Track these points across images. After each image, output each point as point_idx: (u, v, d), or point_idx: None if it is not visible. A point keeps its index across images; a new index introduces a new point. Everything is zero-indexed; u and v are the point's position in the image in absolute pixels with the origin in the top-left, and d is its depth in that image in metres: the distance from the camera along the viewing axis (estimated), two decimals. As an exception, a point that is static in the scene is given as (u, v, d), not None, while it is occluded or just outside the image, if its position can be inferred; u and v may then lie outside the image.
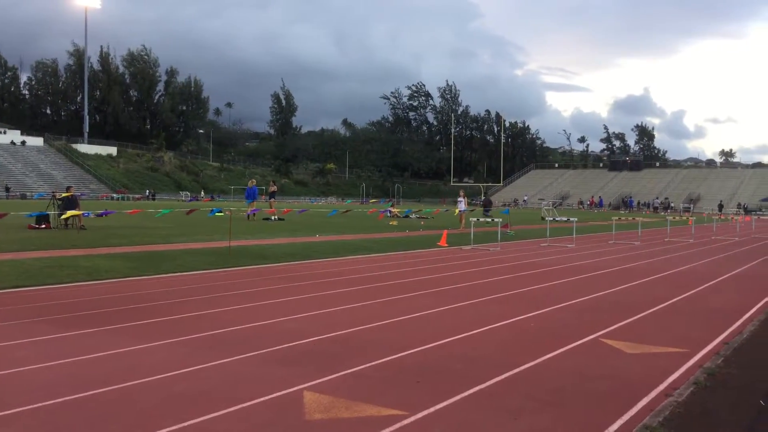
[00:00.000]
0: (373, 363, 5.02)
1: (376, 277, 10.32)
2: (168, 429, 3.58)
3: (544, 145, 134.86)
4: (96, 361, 4.97)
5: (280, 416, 3.83)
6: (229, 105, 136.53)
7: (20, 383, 4.38)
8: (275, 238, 17.75)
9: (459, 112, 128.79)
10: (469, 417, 3.88)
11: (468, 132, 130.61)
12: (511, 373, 4.83)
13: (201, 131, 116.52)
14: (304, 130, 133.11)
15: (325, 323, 6.56)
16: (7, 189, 63.83)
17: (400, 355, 5.30)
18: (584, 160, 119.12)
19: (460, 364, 5.06)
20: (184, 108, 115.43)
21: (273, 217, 26.49)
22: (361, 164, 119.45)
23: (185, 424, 3.66)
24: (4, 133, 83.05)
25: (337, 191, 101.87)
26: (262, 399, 4.11)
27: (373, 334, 6.13)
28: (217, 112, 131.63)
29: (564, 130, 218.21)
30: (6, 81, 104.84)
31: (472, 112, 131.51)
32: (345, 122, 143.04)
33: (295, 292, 8.55)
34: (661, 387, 4.56)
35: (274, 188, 30.95)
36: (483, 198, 34.23)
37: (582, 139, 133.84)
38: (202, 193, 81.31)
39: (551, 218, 23.06)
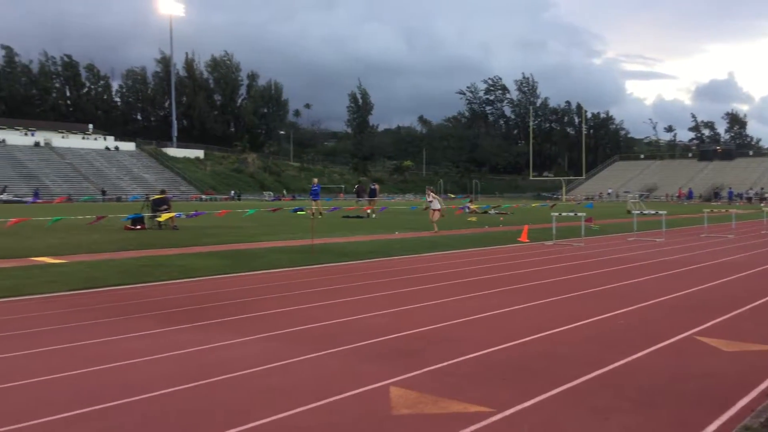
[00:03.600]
0: (457, 360, 5.04)
1: (456, 274, 10.30)
2: (261, 421, 3.73)
3: (628, 135, 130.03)
4: (192, 355, 5.23)
5: (367, 411, 3.91)
6: (307, 106, 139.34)
7: (123, 376, 4.67)
8: (355, 235, 18.01)
9: (537, 105, 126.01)
10: (557, 416, 3.84)
11: (547, 124, 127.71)
12: (599, 371, 4.73)
13: (282, 133, 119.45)
14: (379, 129, 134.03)
15: (407, 320, 6.63)
16: (103, 192, 67.69)
17: (484, 352, 5.29)
18: (671, 150, 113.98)
19: (546, 362, 5.00)
20: (266, 110, 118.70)
21: (372, 215, 27.54)
22: (438, 160, 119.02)
23: (277, 416, 3.80)
24: (95, 139, 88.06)
25: (414, 188, 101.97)
26: (349, 393, 4.22)
27: (456, 330, 6.15)
28: (297, 113, 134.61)
29: (650, 119, 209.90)
30: (99, 90, 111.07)
31: (551, 103, 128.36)
32: (421, 119, 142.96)
33: (376, 289, 8.67)
34: (762, 386, 4.34)
35: (376, 186, 32.35)
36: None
37: (669, 129, 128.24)
38: (284, 192, 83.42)
39: (638, 211, 22.23)
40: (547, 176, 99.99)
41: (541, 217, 27.08)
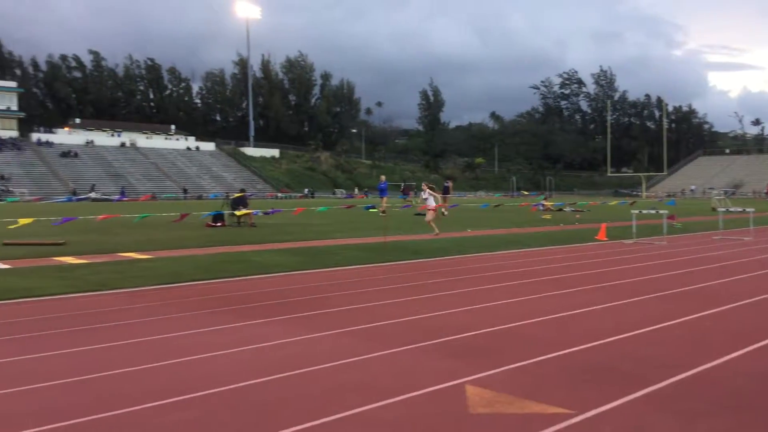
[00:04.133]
0: (535, 359, 4.94)
1: (531, 272, 10.12)
2: (338, 416, 3.78)
3: (712, 129, 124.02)
4: (270, 349, 5.36)
5: (444, 408, 3.89)
6: (379, 104, 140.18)
7: (206, 368, 4.84)
8: (427, 233, 17.98)
9: (615, 98, 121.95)
10: (642, 419, 3.70)
11: (626, 119, 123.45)
12: (685, 374, 4.53)
13: (354, 131, 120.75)
14: (451, 125, 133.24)
15: (482, 318, 6.56)
16: (185, 191, 70.36)
17: (562, 352, 5.17)
18: (759, 145, 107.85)
19: (629, 364, 4.83)
20: (338, 109, 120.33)
21: (444, 212, 27.68)
22: (511, 157, 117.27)
23: (354, 411, 3.84)
24: (177, 140, 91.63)
25: (486, 185, 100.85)
26: (425, 390, 4.21)
27: (533, 329, 6.03)
28: (368, 111, 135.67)
29: (735, 113, 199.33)
30: (181, 92, 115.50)
31: (630, 97, 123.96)
32: (493, 115, 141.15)
33: (450, 287, 8.62)
34: None
35: (449, 184, 32.33)
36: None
37: (756, 122, 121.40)
38: (356, 190, 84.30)
39: (723, 209, 21.17)
40: (625, 172, 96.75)
41: (619, 215, 26.21)
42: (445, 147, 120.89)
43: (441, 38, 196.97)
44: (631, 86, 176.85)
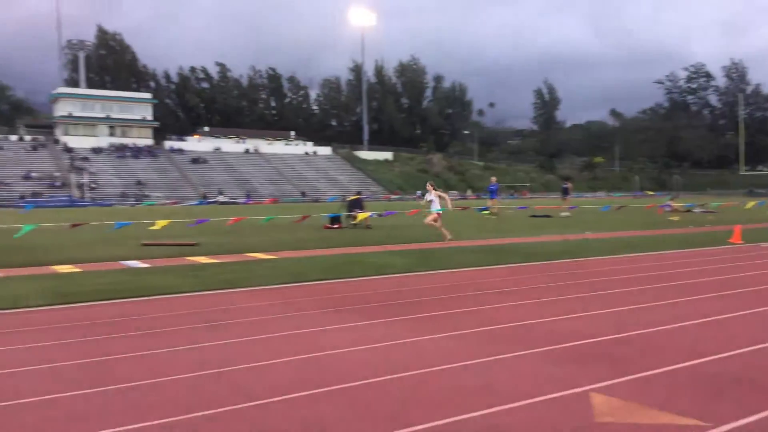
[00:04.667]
0: (665, 369, 4.71)
1: (658, 277, 9.62)
2: (460, 417, 3.80)
3: None
4: (390, 349, 5.47)
5: (567, 415, 3.81)
6: (491, 105, 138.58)
7: (327, 365, 5.01)
8: (543, 235, 17.56)
9: (748, 92, 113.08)
10: (787, 437, 3.45)
11: (760, 113, 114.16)
12: (838, 391, 4.16)
13: (466, 132, 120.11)
14: (567, 124, 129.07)
15: (605, 324, 6.34)
16: (303, 194, 73.02)
17: (695, 362, 4.89)
18: None
19: (770, 377, 4.49)
20: (450, 111, 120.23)
21: (566, 214, 27.13)
22: (633, 155, 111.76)
23: (473, 414, 3.84)
24: (296, 145, 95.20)
25: (605, 185, 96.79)
26: (547, 396, 4.14)
27: (661, 337, 5.75)
28: (480, 112, 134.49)
29: None
30: (299, 99, 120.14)
31: (765, 90, 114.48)
32: (612, 112, 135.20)
33: (569, 291, 8.39)
34: None
35: (568, 185, 31.67)
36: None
37: None
38: (469, 191, 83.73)
39: None
40: (761, 171, 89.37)
41: (755, 217, 24.29)
42: (560, 146, 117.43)
43: (555, 35, 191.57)
44: (766, 79, 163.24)
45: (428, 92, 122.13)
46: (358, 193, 23.25)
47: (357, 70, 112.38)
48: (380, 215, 24.13)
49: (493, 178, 29.87)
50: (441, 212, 16.27)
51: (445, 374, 4.69)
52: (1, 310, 7.37)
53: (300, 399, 4.17)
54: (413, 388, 4.37)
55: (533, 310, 7.13)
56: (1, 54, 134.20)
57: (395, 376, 4.64)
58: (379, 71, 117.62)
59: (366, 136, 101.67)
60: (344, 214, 21.69)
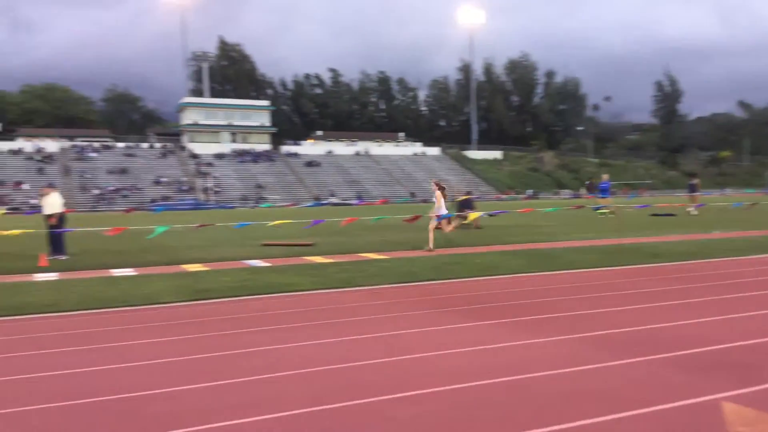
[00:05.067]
0: (802, 379, 4.38)
1: (796, 280, 8.88)
2: (576, 423, 3.72)
3: None
4: (499, 351, 5.44)
5: (696, 424, 3.64)
6: (607, 99, 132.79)
7: (436, 365, 5.06)
8: (666, 235, 16.68)
9: None
10: None
11: None
12: None
13: (580, 128, 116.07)
14: (690, 117, 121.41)
15: (733, 330, 5.95)
16: (412, 195, 73.55)
17: (838, 373, 4.51)
18: None
19: None
20: (563, 107, 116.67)
21: (692, 211, 26.02)
22: (764, 149, 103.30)
23: (593, 420, 3.75)
24: (406, 146, 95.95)
25: (733, 182, 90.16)
26: (673, 404, 3.96)
27: (799, 345, 5.33)
28: (595, 107, 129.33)
29: None
30: (408, 100, 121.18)
31: None
32: (741, 103, 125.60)
33: (693, 294, 7.94)
34: None
35: (695, 181, 30.04)
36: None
37: None
38: (583, 190, 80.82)
39: None
40: None
41: None
42: (683, 141, 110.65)
43: (674, 23, 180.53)
44: None
45: (539, 88, 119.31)
46: (468, 192, 23.13)
47: (465, 69, 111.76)
48: (490, 215, 23.88)
49: (605, 176, 28.71)
50: (449, 218, 14.63)
51: (559, 378, 4.60)
52: (139, 306, 8.03)
53: (407, 398, 4.25)
54: (525, 391, 4.34)
55: (655, 313, 6.83)
56: (134, 68, 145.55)
57: (506, 378, 4.62)
58: (488, 69, 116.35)
59: (475, 135, 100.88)
60: (454, 214, 21.66)
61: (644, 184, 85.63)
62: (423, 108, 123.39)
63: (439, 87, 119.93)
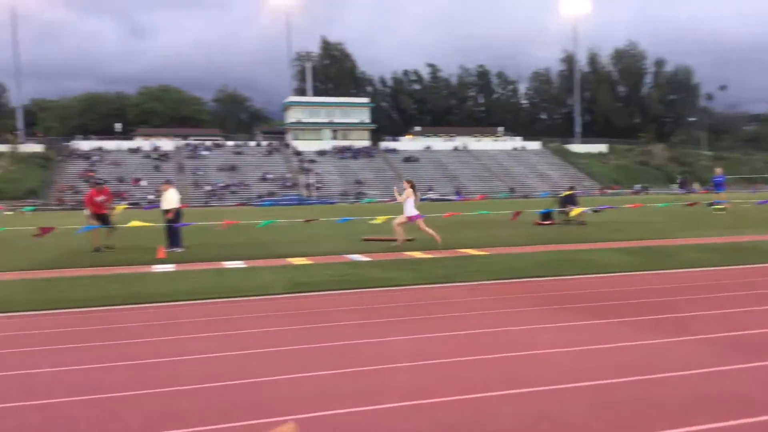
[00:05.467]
0: None
1: None
2: (705, 426, 3.52)
3: None
4: (612, 351, 5.23)
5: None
6: (722, 88, 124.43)
7: (544, 363, 4.92)
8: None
9: None
10: None
11: None
12: None
13: (692, 119, 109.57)
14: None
15: None
16: (512, 190, 72.26)
17: None
18: None
19: None
20: (673, 97, 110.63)
21: None
22: None
23: (717, 424, 3.53)
24: (505, 141, 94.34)
25: None
26: (806, 414, 3.68)
27: None
28: (709, 97, 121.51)
29: None
30: (508, 94, 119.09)
31: None
32: None
33: (829, 297, 7.30)
34: None
35: None
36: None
37: None
38: (696, 185, 76.25)
39: None
40: None
41: None
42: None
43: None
44: None
45: (648, 78, 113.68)
46: (572, 188, 22.42)
47: (569, 60, 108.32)
48: (595, 211, 23.06)
49: (718, 170, 26.97)
50: (406, 219, 14.02)
51: (683, 380, 4.36)
52: (249, 297, 8.38)
53: (516, 395, 4.18)
54: (646, 393, 4.14)
55: (782, 316, 6.34)
56: (242, 69, 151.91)
57: (625, 379, 4.43)
58: (592, 59, 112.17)
59: (578, 128, 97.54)
60: (557, 209, 21.09)
61: (763, 178, 79.60)
62: (523, 101, 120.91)
63: (540, 79, 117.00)
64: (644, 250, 12.64)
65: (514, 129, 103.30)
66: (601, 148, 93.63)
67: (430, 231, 14.16)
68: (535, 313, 6.85)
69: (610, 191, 71.02)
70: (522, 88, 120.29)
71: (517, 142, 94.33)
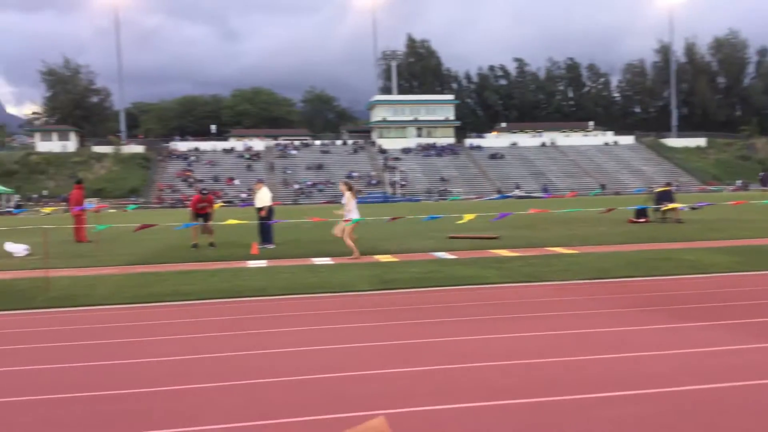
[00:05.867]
0: None
1: None
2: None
3: None
4: (711, 355, 5.01)
5: None
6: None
7: (635, 367, 4.80)
8: None
9: None
10: None
11: None
12: None
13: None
14: None
15: None
16: (603, 187, 69.87)
17: None
18: None
19: None
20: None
21: None
22: None
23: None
24: (595, 135, 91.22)
25: None
26: None
27: None
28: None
29: None
30: (599, 87, 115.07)
31: None
32: None
33: None
34: None
35: None
36: None
37: None
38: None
39: None
40: None
41: None
42: None
43: None
44: None
45: (750, 68, 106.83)
46: (668, 184, 21.49)
47: (664, 50, 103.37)
48: (693, 208, 21.99)
49: None
50: (356, 222, 12.96)
51: (782, 388, 4.17)
52: (337, 293, 8.60)
53: (616, 398, 4.11)
54: (745, 400, 3.99)
55: None
56: (329, 70, 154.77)
57: (721, 385, 4.27)
58: (689, 49, 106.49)
59: (675, 121, 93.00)
60: (652, 206, 20.27)
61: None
62: (615, 94, 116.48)
63: (633, 71, 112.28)
64: (743, 249, 11.99)
65: (605, 123, 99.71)
66: (699, 142, 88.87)
67: (349, 237, 12.82)
68: (626, 315, 6.67)
69: (709, 187, 67.36)
70: (614, 80, 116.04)
71: (609, 136, 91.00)
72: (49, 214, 36.65)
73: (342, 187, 13.33)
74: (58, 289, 9.26)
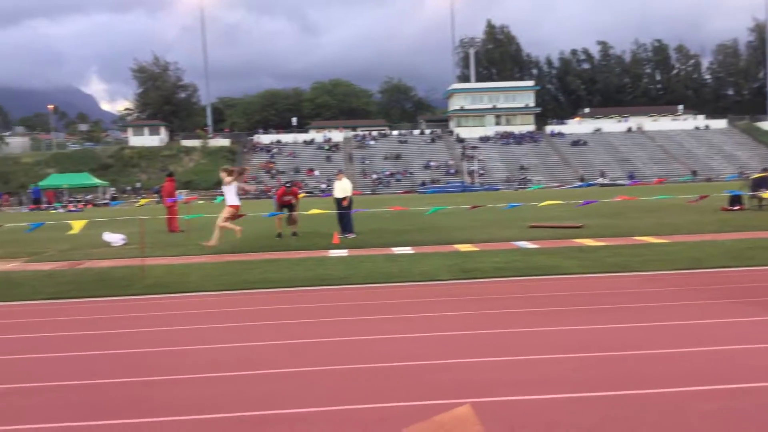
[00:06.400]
0: None
1: None
2: None
3: None
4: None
5: None
6: None
7: (733, 360, 4.62)
8: None
9: None
10: None
11: None
12: None
13: None
14: None
15: None
16: (694, 173, 66.65)
17: None
18: None
19: None
20: None
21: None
22: None
23: None
24: (685, 120, 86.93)
25: None
26: None
27: None
28: None
29: None
30: (689, 69, 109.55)
31: None
32: None
33: None
34: None
35: None
36: None
37: None
38: None
39: None
40: None
41: None
42: None
43: None
44: None
45: None
46: (765, 169, 20.30)
47: (759, 29, 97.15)
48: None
49: None
50: (233, 207, 13.41)
51: None
52: (417, 282, 8.67)
53: (711, 392, 3.98)
54: None
55: None
56: (407, 60, 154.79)
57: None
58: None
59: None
60: (748, 193, 19.21)
61: None
62: (706, 76, 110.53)
63: (726, 52, 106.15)
64: None
65: (695, 107, 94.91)
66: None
67: (230, 226, 13.48)
68: (720, 306, 6.40)
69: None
70: (705, 62, 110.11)
71: (700, 120, 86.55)
72: (143, 205, 38.64)
73: (222, 174, 13.95)
74: (154, 276, 9.78)
